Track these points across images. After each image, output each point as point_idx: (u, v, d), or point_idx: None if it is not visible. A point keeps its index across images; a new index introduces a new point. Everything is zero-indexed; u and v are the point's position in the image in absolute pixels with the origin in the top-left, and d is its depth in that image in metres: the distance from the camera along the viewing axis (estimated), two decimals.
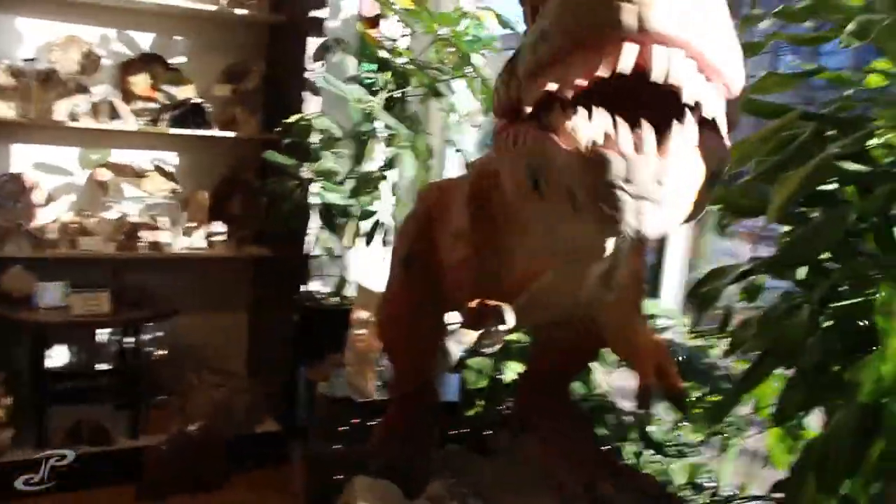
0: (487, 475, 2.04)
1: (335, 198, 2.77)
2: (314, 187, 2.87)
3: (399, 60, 3.16)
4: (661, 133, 0.82)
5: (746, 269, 1.52)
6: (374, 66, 3.28)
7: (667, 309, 2.40)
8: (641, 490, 1.76)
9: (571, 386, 2.15)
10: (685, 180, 0.84)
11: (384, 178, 2.97)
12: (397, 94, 3.08)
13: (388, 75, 3.03)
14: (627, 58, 0.78)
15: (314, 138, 2.96)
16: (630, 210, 0.81)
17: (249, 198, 3.53)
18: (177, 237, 3.26)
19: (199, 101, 3.23)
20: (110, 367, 3.27)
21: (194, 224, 3.36)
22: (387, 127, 2.81)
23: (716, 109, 0.86)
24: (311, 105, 3.14)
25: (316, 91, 3.13)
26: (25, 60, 3.06)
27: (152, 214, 3.31)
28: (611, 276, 1.43)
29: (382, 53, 3.26)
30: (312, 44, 3.12)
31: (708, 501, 1.97)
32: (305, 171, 2.90)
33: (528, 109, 0.90)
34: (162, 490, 2.87)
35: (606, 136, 0.81)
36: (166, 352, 3.38)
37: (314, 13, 3.11)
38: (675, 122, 0.83)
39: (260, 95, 3.52)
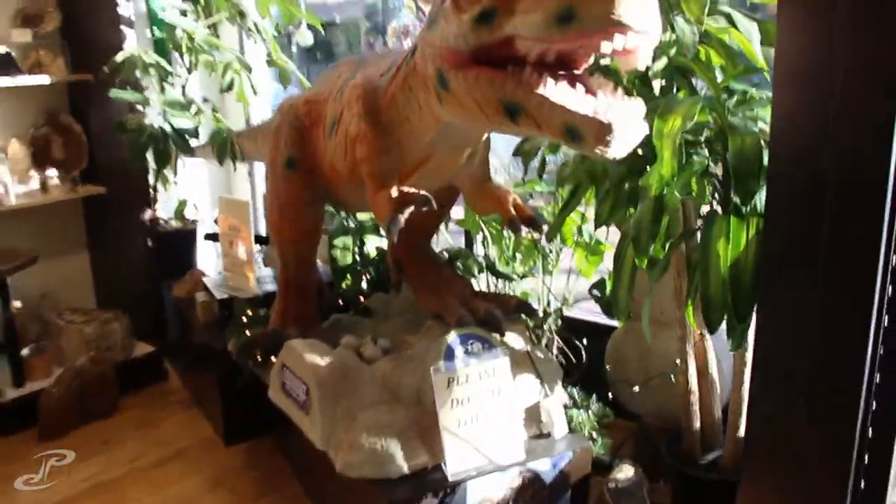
0: (380, 326, 2.56)
1: (185, 123, 3.00)
2: (156, 118, 3.05)
3: None
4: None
5: None
6: None
7: None
8: (503, 304, 2.37)
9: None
10: (640, 122, 1.38)
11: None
12: (208, 21, 3.29)
13: (198, 4, 3.22)
14: (632, 43, 1.29)
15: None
16: (614, 146, 1.33)
17: (70, 140, 3.59)
18: (9, 189, 3.28)
19: (3, 49, 3.20)
20: None
21: (18, 175, 3.38)
22: (217, 52, 3.06)
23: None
24: (127, 43, 3.26)
25: (130, 26, 3.25)
26: None
27: None
28: (473, 156, 2.01)
29: None
30: None
31: (545, 309, 2.62)
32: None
33: (529, 73, 1.39)
34: (62, 426, 3.06)
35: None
36: (20, 303, 3.44)
37: None
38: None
39: (59, 38, 3.52)
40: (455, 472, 1.82)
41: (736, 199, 1.62)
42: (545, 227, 2.14)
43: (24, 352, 3.22)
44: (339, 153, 2.12)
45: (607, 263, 2.47)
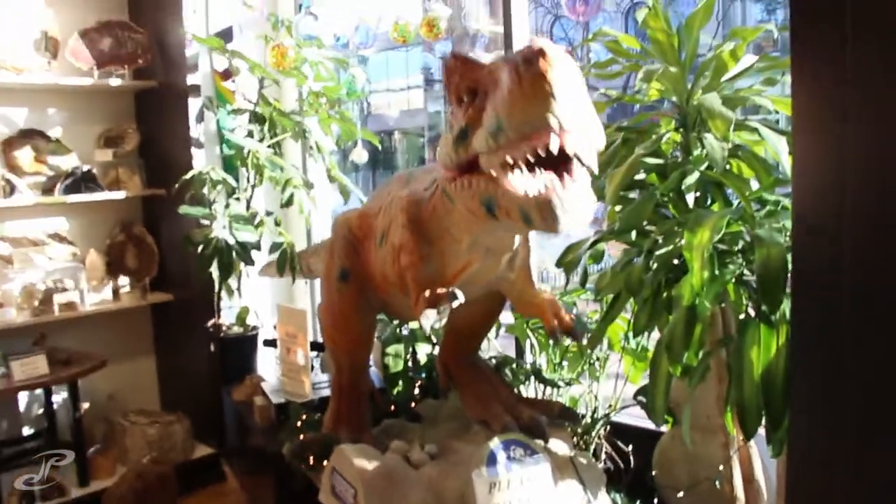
0: (429, 431, 2.61)
1: (248, 236, 3.21)
2: (221, 231, 3.27)
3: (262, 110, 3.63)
4: (561, 174, 1.46)
5: (595, 239, 2.22)
6: (232, 116, 3.73)
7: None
8: (547, 410, 2.41)
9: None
10: (586, 198, 1.48)
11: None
12: (271, 139, 3.56)
13: (265, 125, 3.49)
14: (555, 142, 1.40)
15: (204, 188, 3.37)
16: (562, 222, 1.44)
17: (142, 250, 3.84)
18: (85, 296, 3.52)
19: (87, 167, 3.51)
20: (44, 427, 3.46)
21: (95, 282, 3.63)
22: (280, 170, 3.29)
23: (592, 160, 1.50)
24: (197, 160, 3.53)
25: (199, 146, 3.53)
26: None
27: (55, 280, 3.54)
28: (512, 261, 2.12)
29: (244, 104, 3.72)
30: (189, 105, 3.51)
31: (592, 415, 2.64)
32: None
33: (493, 172, 1.51)
34: None
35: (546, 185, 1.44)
36: (88, 404, 3.61)
37: (190, 79, 3.51)
38: (575, 168, 1.46)
39: (136, 157, 3.84)
40: None
41: (764, 308, 1.67)
42: (587, 336, 2.20)
43: (90, 451, 3.36)
44: (388, 262, 2.24)
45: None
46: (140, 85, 3.73)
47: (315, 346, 3.28)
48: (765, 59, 2.07)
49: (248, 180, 3.45)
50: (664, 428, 2.61)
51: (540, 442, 2.12)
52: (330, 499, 2.32)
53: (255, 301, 4.07)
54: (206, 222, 3.38)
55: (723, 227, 1.70)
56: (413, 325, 3.00)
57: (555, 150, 1.41)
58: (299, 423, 2.83)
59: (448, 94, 1.70)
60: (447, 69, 1.67)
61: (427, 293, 1.92)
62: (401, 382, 2.99)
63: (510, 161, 1.45)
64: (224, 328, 3.83)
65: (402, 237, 2.09)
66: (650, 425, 2.76)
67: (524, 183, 1.45)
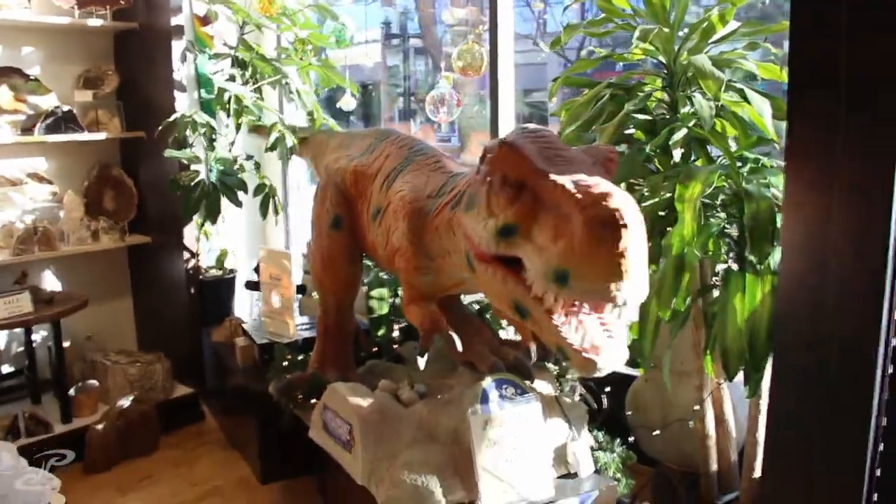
0: (413, 372, 2.70)
1: (233, 179, 3.23)
2: (208, 174, 3.29)
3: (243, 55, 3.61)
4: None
5: None
6: (213, 60, 3.71)
7: None
8: (527, 352, 2.52)
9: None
10: (623, 347, 1.53)
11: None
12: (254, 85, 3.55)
13: (247, 70, 3.48)
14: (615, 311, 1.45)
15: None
16: (596, 373, 1.49)
17: (120, 192, 3.83)
18: (64, 236, 3.51)
19: (67, 107, 3.47)
20: (25, 364, 3.48)
21: (73, 223, 3.61)
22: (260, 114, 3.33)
23: (635, 310, 1.49)
24: (179, 103, 3.51)
25: (182, 89, 3.51)
26: None
27: (34, 219, 3.52)
28: None
29: (222, 49, 3.70)
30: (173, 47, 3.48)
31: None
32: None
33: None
34: (106, 461, 3.22)
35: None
36: (68, 343, 3.63)
37: (174, 20, 3.47)
38: (623, 315, 1.49)
39: (114, 98, 3.80)
40: None
41: (752, 258, 1.79)
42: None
43: (71, 391, 3.40)
44: (380, 241, 2.34)
45: None
46: (120, 26, 3.67)
47: (298, 288, 3.35)
48: (748, 24, 2.16)
49: (227, 125, 3.45)
50: (636, 372, 2.77)
51: (527, 381, 2.24)
52: (321, 435, 2.42)
53: (231, 244, 4.10)
54: (194, 166, 3.39)
55: (713, 181, 1.81)
56: None
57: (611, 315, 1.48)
58: (285, 363, 2.92)
59: (490, 174, 1.66)
60: (496, 157, 1.62)
61: (427, 321, 2.06)
62: (384, 325, 3.08)
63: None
64: (203, 270, 3.86)
65: (402, 244, 2.14)
66: (622, 370, 2.92)
67: (571, 332, 1.49)
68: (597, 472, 2.20)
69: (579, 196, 1.43)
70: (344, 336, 2.78)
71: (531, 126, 1.74)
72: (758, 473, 2.08)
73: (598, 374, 1.49)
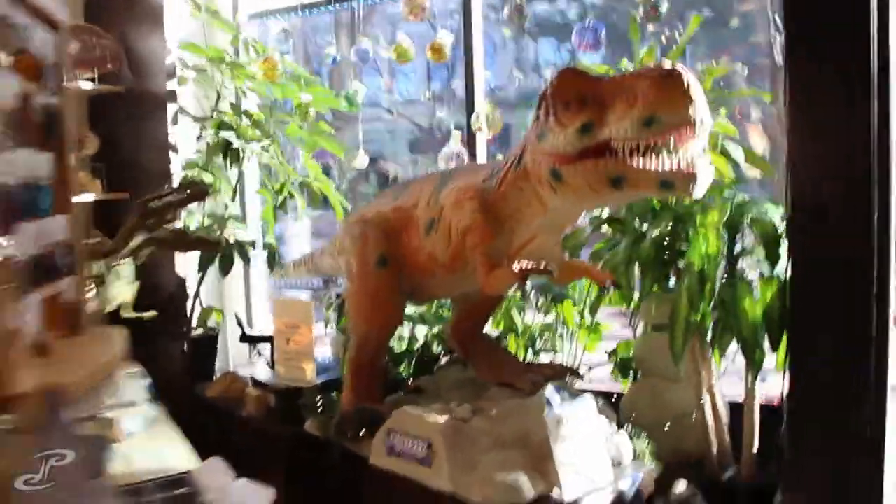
0: (437, 402, 2.98)
1: (245, 236, 3.44)
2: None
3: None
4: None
5: (597, 224, 2.81)
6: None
7: None
8: (555, 370, 2.94)
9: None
10: (709, 169, 2.01)
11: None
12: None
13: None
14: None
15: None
16: (698, 189, 1.97)
17: None
18: None
19: None
20: None
21: None
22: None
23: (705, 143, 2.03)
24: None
25: (175, 150, 3.67)
26: None
27: None
28: (563, 237, 2.62)
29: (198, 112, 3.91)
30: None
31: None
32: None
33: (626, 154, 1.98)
34: None
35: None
36: None
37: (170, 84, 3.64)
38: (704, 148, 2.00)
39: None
40: (569, 494, 2.33)
41: (762, 269, 2.33)
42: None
43: None
44: (441, 245, 2.64)
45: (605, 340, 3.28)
46: (105, 89, 3.73)
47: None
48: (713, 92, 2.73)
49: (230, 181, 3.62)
50: (621, 388, 3.22)
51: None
52: (385, 460, 2.65)
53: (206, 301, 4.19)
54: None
55: (728, 209, 2.35)
56: (409, 310, 3.36)
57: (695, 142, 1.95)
58: (318, 405, 3.12)
59: (550, 100, 2.11)
60: (560, 80, 2.08)
61: (516, 268, 2.34)
62: (404, 361, 3.37)
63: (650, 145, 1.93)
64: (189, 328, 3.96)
65: (473, 221, 2.49)
66: (608, 388, 3.36)
67: (666, 164, 1.94)
68: (634, 459, 2.62)
69: (641, 72, 1.96)
70: (377, 371, 3.02)
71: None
72: (755, 450, 2.61)
73: (696, 192, 1.95)
